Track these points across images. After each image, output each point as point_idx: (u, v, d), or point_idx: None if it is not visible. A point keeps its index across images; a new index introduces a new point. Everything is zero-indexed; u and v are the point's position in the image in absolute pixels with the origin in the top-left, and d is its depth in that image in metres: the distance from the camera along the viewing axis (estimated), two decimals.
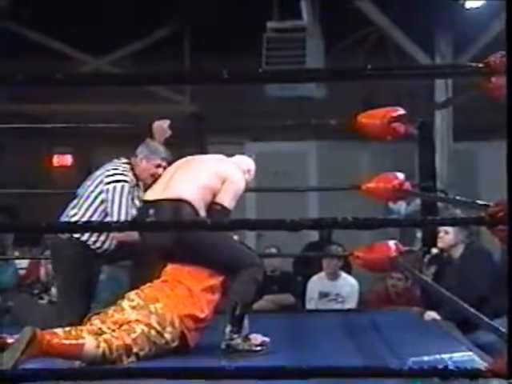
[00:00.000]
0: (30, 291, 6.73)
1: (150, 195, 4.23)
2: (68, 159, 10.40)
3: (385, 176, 5.10)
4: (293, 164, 9.95)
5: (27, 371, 2.64)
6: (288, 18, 8.49)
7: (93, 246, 4.42)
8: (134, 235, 4.26)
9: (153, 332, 3.89)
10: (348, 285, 6.66)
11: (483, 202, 2.59)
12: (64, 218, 4.48)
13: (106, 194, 4.41)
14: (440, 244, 5.20)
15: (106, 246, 4.44)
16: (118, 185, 4.42)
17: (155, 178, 4.47)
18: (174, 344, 3.96)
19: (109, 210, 4.40)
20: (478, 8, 7.93)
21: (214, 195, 4.17)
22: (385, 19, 8.45)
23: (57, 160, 10.42)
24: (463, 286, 4.73)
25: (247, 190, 4.45)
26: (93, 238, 4.41)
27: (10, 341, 3.51)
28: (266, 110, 8.80)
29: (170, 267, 4.22)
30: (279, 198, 8.56)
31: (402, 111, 4.80)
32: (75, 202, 4.52)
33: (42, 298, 6.43)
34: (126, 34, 9.33)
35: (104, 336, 3.77)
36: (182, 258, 4.15)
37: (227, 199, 4.17)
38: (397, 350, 4.08)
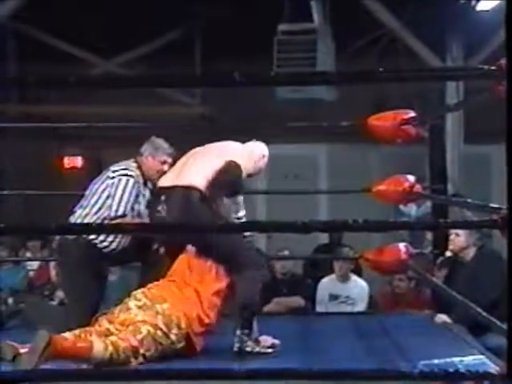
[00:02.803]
0: (41, 293, 6.74)
1: (164, 182, 4.28)
2: (78, 161, 10.43)
3: (395, 178, 5.10)
4: (303, 166, 9.95)
5: (34, 372, 2.64)
6: (299, 21, 8.49)
7: (99, 245, 4.43)
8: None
9: (159, 333, 3.90)
10: (358, 287, 6.64)
11: (496, 205, 2.58)
12: (74, 218, 4.50)
13: (111, 187, 4.44)
14: (451, 247, 5.19)
15: (113, 246, 4.45)
16: (123, 178, 4.45)
17: (161, 174, 4.50)
18: (180, 345, 3.96)
19: (109, 200, 4.42)
20: (489, 10, 7.91)
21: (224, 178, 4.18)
22: (396, 21, 8.45)
23: (68, 162, 10.45)
24: (475, 289, 4.71)
25: (258, 192, 4.45)
26: (100, 238, 4.42)
27: (22, 350, 3.54)
28: (277, 113, 8.81)
29: (176, 267, 4.22)
30: (289, 200, 8.56)
31: (412, 114, 4.79)
32: (84, 201, 4.53)
33: (52, 300, 6.45)
34: (137, 37, 9.35)
35: (111, 338, 3.78)
36: (187, 247, 4.16)
37: (241, 161, 4.18)
38: (407, 353, 4.07)
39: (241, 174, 4.17)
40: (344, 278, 6.63)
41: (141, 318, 3.91)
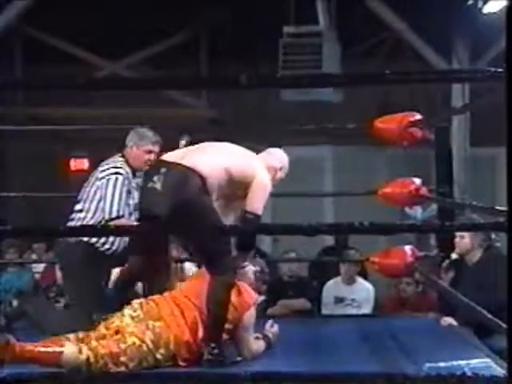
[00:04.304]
0: (46, 295, 6.74)
1: (167, 157, 4.09)
2: (85, 163, 10.43)
3: (401, 181, 5.10)
4: (309, 169, 9.93)
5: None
6: (304, 23, 8.49)
7: (101, 248, 4.40)
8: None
9: (144, 347, 3.82)
10: (364, 290, 6.64)
11: (501, 207, 2.58)
12: (73, 223, 4.47)
13: (101, 189, 4.41)
14: (457, 249, 5.17)
15: (114, 247, 4.42)
16: (112, 177, 4.39)
17: (148, 163, 4.41)
18: (166, 365, 3.88)
19: (101, 203, 4.38)
20: (495, 12, 7.90)
21: (231, 181, 4.02)
22: (402, 24, 8.45)
23: (74, 164, 10.45)
24: (482, 291, 4.68)
25: None
26: (101, 240, 4.39)
27: None
28: (283, 115, 8.81)
29: (189, 286, 4.12)
30: (295, 202, 8.55)
31: (418, 116, 4.79)
32: (80, 205, 4.51)
33: (58, 302, 6.45)
34: (143, 39, 9.36)
35: (92, 343, 3.74)
36: (173, 233, 3.99)
37: (259, 206, 4.01)
38: (413, 356, 4.06)
39: (260, 219, 4.02)
40: (350, 281, 6.62)
41: (130, 329, 3.85)
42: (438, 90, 8.93)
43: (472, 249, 5.07)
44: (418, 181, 5.02)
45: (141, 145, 4.49)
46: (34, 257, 8.27)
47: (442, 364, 3.80)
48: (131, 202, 4.40)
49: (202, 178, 3.93)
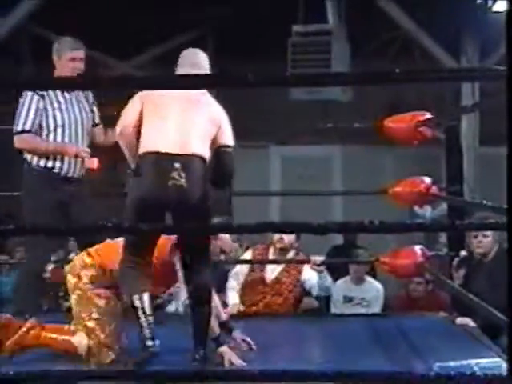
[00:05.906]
0: (55, 294, 6.75)
1: (170, 147, 3.82)
2: (94, 163, 10.41)
3: (411, 180, 5.09)
4: (318, 168, 9.93)
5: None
6: (313, 22, 8.48)
7: (55, 170, 4.56)
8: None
9: (81, 285, 3.92)
10: (373, 289, 6.62)
11: (503, 206, 2.56)
12: None
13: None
14: (480, 249, 5.06)
15: (64, 170, 4.61)
16: (29, 94, 4.37)
17: (77, 71, 4.48)
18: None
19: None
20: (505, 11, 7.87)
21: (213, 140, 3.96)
22: (411, 22, 8.43)
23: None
24: (497, 288, 4.61)
25: (272, 193, 4.39)
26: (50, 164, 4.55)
27: None
28: (292, 114, 8.80)
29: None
30: (303, 201, 8.55)
31: (428, 115, 4.78)
32: None
33: (67, 300, 6.46)
34: (150, 38, 9.37)
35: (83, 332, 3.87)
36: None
37: (231, 136, 4.01)
38: (422, 355, 4.05)
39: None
40: (359, 280, 6.61)
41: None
42: (447, 89, 8.91)
43: (493, 246, 5.01)
44: (427, 180, 5.01)
45: (63, 54, 4.49)
46: None
47: (451, 363, 3.78)
48: (51, 118, 4.42)
49: (204, 162, 3.85)
